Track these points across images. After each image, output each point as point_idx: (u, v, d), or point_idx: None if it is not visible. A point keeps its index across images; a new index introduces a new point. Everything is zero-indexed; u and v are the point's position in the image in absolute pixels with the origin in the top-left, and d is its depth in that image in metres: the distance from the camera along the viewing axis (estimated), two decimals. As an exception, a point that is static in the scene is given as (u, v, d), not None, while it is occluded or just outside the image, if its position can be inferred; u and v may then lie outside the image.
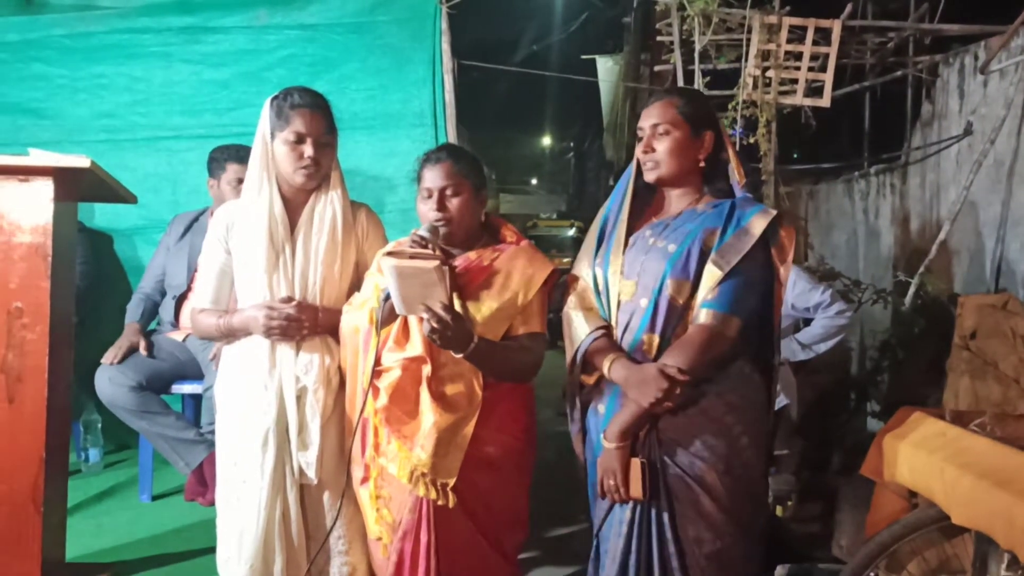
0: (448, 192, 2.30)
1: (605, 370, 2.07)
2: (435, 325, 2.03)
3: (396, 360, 2.23)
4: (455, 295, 2.21)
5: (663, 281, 2.04)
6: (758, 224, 2.02)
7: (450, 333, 2.05)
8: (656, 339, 2.05)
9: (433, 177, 2.31)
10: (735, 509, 2.03)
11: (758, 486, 2.10)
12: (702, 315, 2.00)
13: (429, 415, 2.16)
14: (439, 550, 2.18)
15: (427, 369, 2.20)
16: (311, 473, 2.39)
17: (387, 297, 2.11)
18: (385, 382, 2.21)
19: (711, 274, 2.00)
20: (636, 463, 2.01)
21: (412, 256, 2.03)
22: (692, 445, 2.03)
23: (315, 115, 2.42)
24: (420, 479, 2.15)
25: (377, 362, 2.22)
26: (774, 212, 2.04)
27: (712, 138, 2.15)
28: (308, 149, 2.39)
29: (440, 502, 2.15)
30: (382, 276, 2.30)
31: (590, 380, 2.17)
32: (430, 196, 2.30)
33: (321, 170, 2.45)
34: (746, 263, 2.00)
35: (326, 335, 2.45)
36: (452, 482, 2.16)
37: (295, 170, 2.41)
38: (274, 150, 2.42)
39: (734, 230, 2.03)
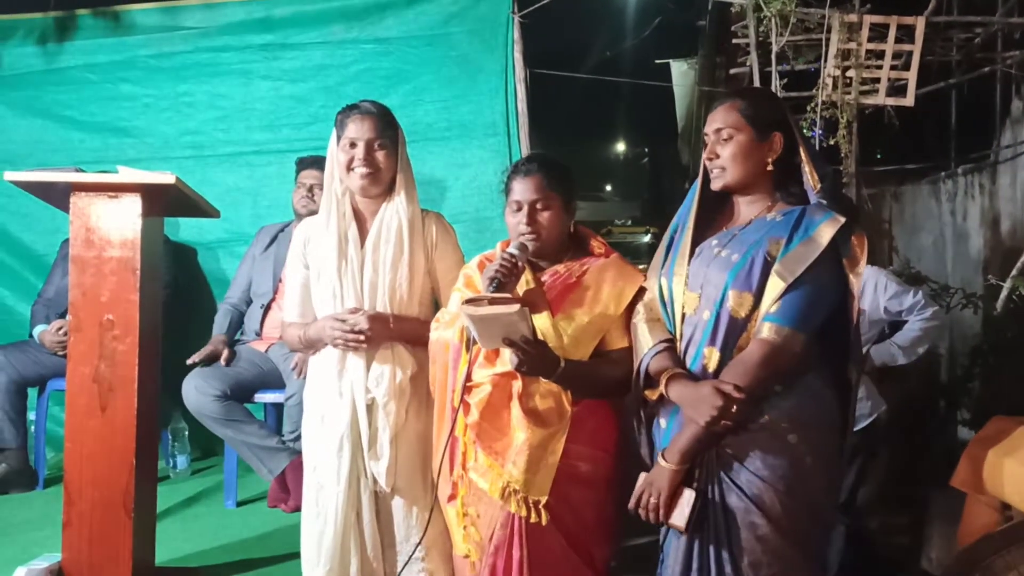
0: (538, 206, 2.25)
1: (662, 387, 2.01)
2: (521, 357, 2.04)
3: (487, 376, 2.20)
4: (546, 311, 2.20)
5: (724, 293, 1.95)
6: (826, 232, 1.90)
7: (535, 363, 2.06)
8: (716, 354, 1.96)
9: (523, 190, 2.27)
10: (795, 531, 1.92)
11: (823, 509, 1.97)
12: (764, 329, 1.90)
13: (520, 431, 2.12)
14: (531, 565, 2.14)
15: (517, 385, 2.17)
16: (383, 482, 2.42)
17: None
18: (476, 398, 2.19)
19: (774, 285, 1.90)
20: (690, 493, 1.94)
21: (491, 302, 1.99)
22: (752, 463, 1.93)
23: (365, 118, 2.45)
24: (512, 495, 2.11)
25: (468, 378, 2.19)
26: (843, 219, 1.91)
27: (781, 140, 2.04)
28: (359, 152, 2.43)
29: (533, 520, 2.11)
30: (468, 292, 2.30)
31: (652, 395, 2.09)
32: (519, 209, 2.27)
33: (378, 175, 2.47)
34: (812, 273, 1.88)
35: (399, 346, 2.46)
36: (544, 499, 2.10)
37: (350, 175, 2.45)
38: (337, 161, 2.48)
39: (800, 239, 1.92)
